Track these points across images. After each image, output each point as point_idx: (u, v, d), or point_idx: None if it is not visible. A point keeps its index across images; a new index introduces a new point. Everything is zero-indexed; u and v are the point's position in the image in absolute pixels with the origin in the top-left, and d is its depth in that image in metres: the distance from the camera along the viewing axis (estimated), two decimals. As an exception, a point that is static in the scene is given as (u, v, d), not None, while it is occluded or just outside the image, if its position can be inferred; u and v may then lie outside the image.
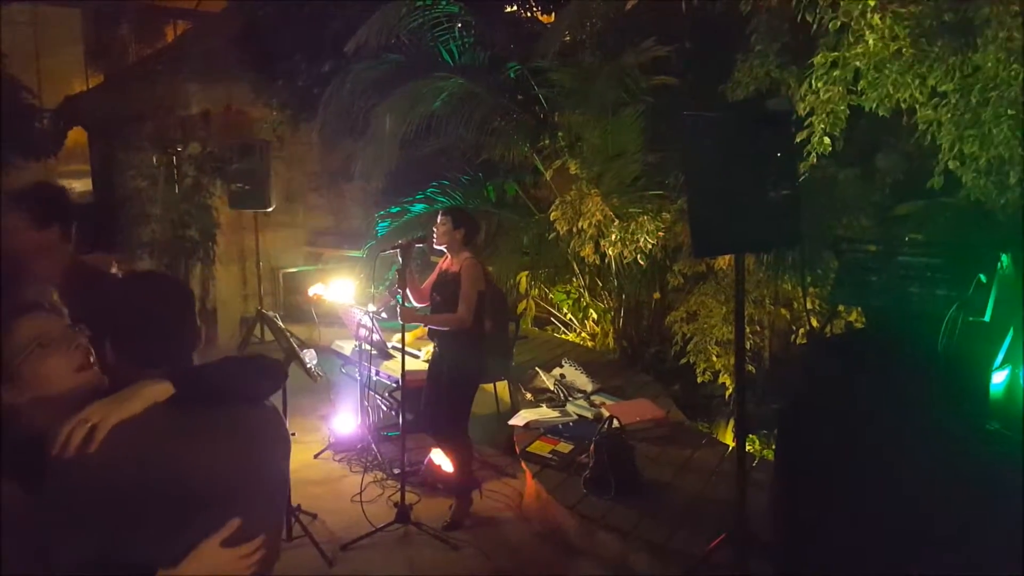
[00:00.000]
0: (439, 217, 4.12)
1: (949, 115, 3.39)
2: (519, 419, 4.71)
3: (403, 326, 4.02)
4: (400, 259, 3.95)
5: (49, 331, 1.43)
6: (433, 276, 4.21)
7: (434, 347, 4.18)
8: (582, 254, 5.80)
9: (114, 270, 2.69)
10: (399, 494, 3.99)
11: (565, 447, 4.25)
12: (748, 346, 4.80)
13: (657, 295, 6.25)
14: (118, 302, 1.51)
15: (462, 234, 4.02)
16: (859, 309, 4.02)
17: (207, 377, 1.44)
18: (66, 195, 2.63)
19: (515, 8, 7.74)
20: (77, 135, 9.41)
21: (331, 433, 5.11)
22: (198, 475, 1.33)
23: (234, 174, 7.16)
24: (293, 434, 4.13)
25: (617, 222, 5.51)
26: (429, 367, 4.17)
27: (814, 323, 4.42)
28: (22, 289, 2.21)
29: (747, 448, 3.55)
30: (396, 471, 4.25)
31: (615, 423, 4.00)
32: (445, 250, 4.11)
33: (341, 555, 3.74)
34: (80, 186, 10.30)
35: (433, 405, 4.15)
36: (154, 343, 1.44)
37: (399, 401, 4.67)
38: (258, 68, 7.84)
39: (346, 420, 5.07)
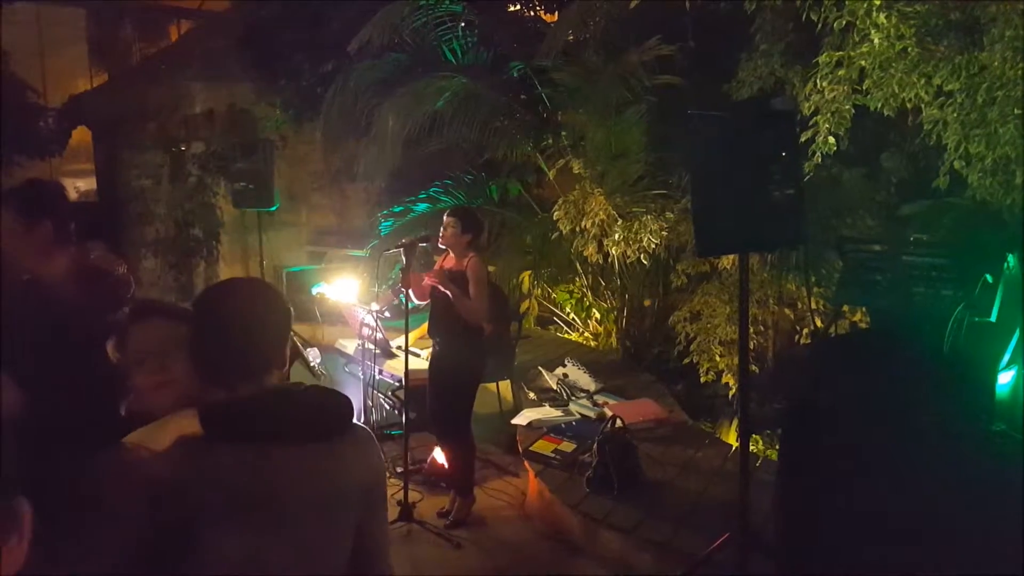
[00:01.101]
0: (447, 217, 4.07)
1: (955, 114, 3.37)
2: (522, 418, 4.71)
3: (406, 325, 4.02)
4: (403, 258, 3.95)
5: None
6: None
7: (434, 346, 4.17)
8: (585, 254, 5.79)
9: (122, 271, 2.68)
10: (402, 492, 3.99)
11: (568, 446, 4.25)
12: (752, 346, 4.79)
13: (648, 301, 6.24)
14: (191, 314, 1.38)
15: (470, 238, 4.03)
16: (863, 309, 4.01)
17: (247, 411, 1.29)
18: (56, 192, 2.59)
19: (518, 7, 7.73)
20: (81, 134, 9.44)
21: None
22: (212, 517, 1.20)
23: (238, 173, 7.15)
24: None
25: (620, 221, 5.50)
26: (430, 366, 4.16)
27: (818, 323, 4.42)
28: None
29: (750, 448, 3.55)
30: (399, 469, 4.25)
31: (618, 423, 3.99)
32: (448, 249, 4.09)
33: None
34: (84, 185, 10.33)
35: (435, 404, 4.15)
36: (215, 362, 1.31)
37: (402, 400, 4.66)
38: (261, 67, 7.85)
39: (349, 419, 5.06)
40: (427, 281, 3.97)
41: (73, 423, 1.61)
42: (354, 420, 1.42)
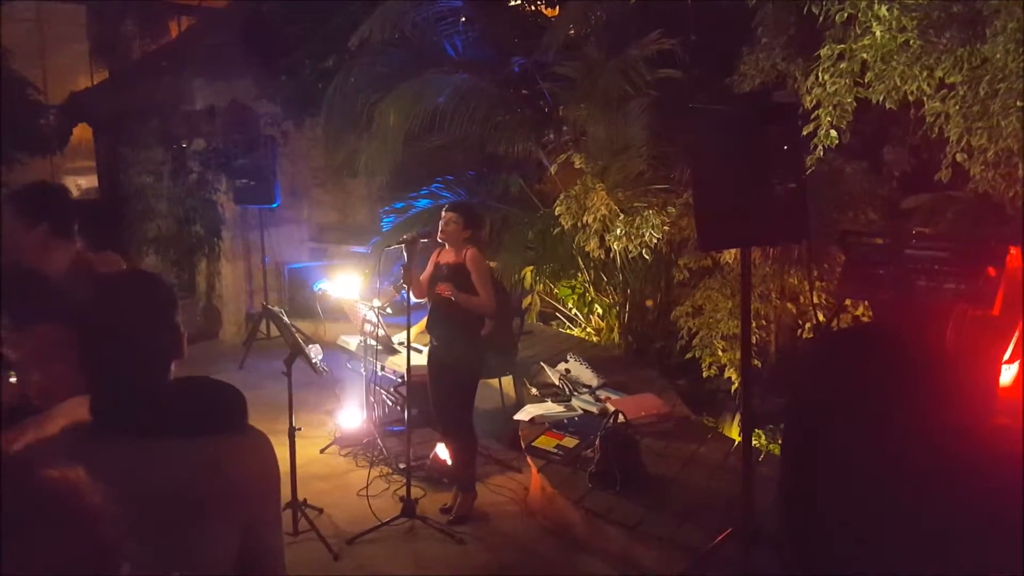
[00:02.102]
0: (447, 212, 4.05)
1: (957, 107, 3.36)
2: (524, 414, 4.71)
3: (408, 321, 4.02)
4: (405, 254, 3.94)
5: None
6: (429, 269, 4.16)
7: (431, 342, 4.16)
8: (587, 249, 5.78)
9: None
10: (405, 488, 4.00)
11: (570, 442, 4.25)
12: (754, 340, 4.78)
13: (650, 301, 6.24)
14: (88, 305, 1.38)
15: (470, 233, 4.03)
16: (866, 303, 4.00)
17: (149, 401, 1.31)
18: (58, 193, 2.63)
19: (519, 2, 7.71)
20: (83, 131, 9.43)
21: (337, 428, 5.12)
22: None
23: (239, 170, 7.17)
24: (299, 428, 4.12)
25: (622, 216, 5.49)
26: (428, 362, 4.15)
27: (821, 317, 4.40)
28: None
29: (753, 443, 3.54)
30: (402, 465, 4.26)
31: (620, 418, 3.99)
32: (446, 243, 4.07)
33: (347, 549, 3.75)
34: (86, 182, 10.33)
35: (436, 400, 4.15)
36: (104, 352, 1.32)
37: (404, 396, 4.67)
38: (262, 63, 7.84)
39: (352, 415, 5.08)
40: (439, 288, 3.95)
41: None
42: (245, 420, 1.40)
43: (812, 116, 3.79)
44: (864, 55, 3.58)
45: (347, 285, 5.90)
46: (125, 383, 1.33)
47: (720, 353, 5.10)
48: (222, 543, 1.34)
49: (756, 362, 4.83)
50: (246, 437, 1.39)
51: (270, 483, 1.43)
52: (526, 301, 6.67)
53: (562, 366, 5.33)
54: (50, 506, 1.13)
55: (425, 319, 4.28)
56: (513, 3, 7.70)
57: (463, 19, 6.61)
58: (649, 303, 6.31)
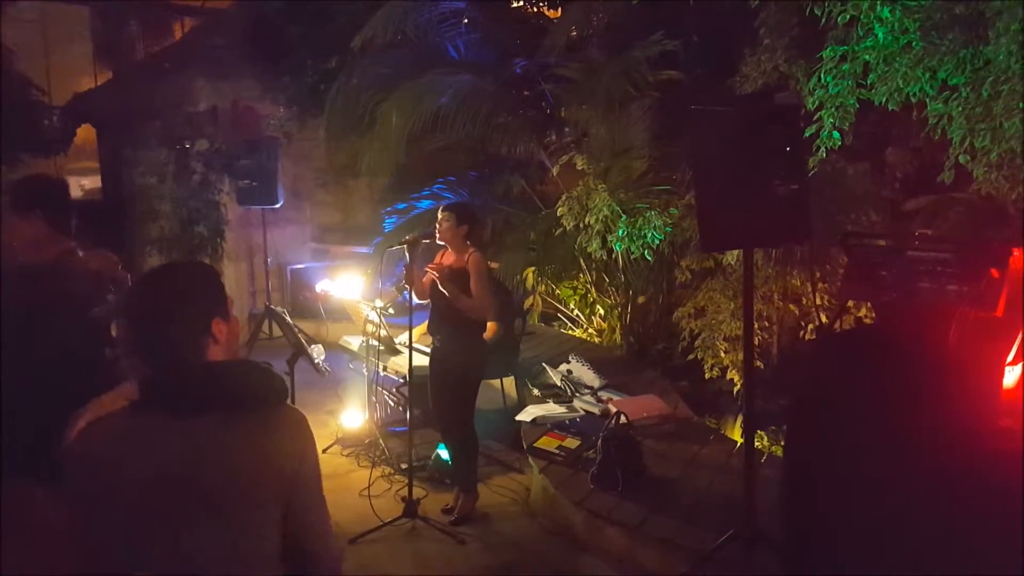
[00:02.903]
0: (441, 213, 4.04)
1: (960, 109, 3.36)
2: (526, 415, 4.71)
3: (410, 322, 4.02)
4: (407, 255, 3.94)
5: None
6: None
7: (434, 343, 4.16)
8: (589, 250, 5.79)
9: (119, 270, 2.69)
10: (407, 489, 4.00)
11: (572, 443, 4.25)
12: (757, 342, 4.78)
13: (642, 298, 6.23)
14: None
15: (466, 230, 3.99)
16: (869, 305, 4.00)
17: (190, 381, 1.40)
18: (53, 186, 2.63)
19: (521, 3, 7.72)
20: (86, 132, 9.44)
21: (339, 428, 5.12)
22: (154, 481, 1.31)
23: (242, 170, 7.18)
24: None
25: (624, 217, 5.50)
26: (430, 363, 4.16)
27: (823, 319, 4.40)
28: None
29: (755, 444, 3.54)
30: (404, 466, 4.26)
31: (622, 419, 3.99)
32: (447, 245, 4.07)
33: (349, 549, 3.75)
34: (89, 183, 10.35)
35: (437, 401, 4.15)
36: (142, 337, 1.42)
37: (406, 397, 4.67)
38: (265, 64, 7.86)
39: (354, 415, 5.08)
40: (427, 277, 3.95)
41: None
42: (287, 401, 1.48)
43: (814, 118, 3.79)
44: (866, 57, 3.58)
45: (349, 286, 5.91)
46: (170, 366, 1.41)
47: (722, 354, 5.10)
48: (267, 516, 1.40)
49: (758, 363, 4.83)
50: (285, 415, 1.45)
51: (307, 459, 1.47)
52: (528, 302, 6.67)
53: (564, 367, 5.33)
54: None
55: (427, 321, 4.28)
56: (515, 4, 7.71)
57: (465, 20, 6.62)
58: (642, 300, 6.29)
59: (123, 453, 1.32)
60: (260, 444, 1.38)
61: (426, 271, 3.96)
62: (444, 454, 4.35)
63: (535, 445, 4.29)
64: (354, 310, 5.27)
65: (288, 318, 4.08)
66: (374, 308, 4.79)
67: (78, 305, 2.34)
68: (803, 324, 5.01)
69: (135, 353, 1.43)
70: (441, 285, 3.86)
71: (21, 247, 2.44)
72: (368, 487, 4.22)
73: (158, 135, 8.28)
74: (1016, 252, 2.32)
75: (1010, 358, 2.33)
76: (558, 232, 6.10)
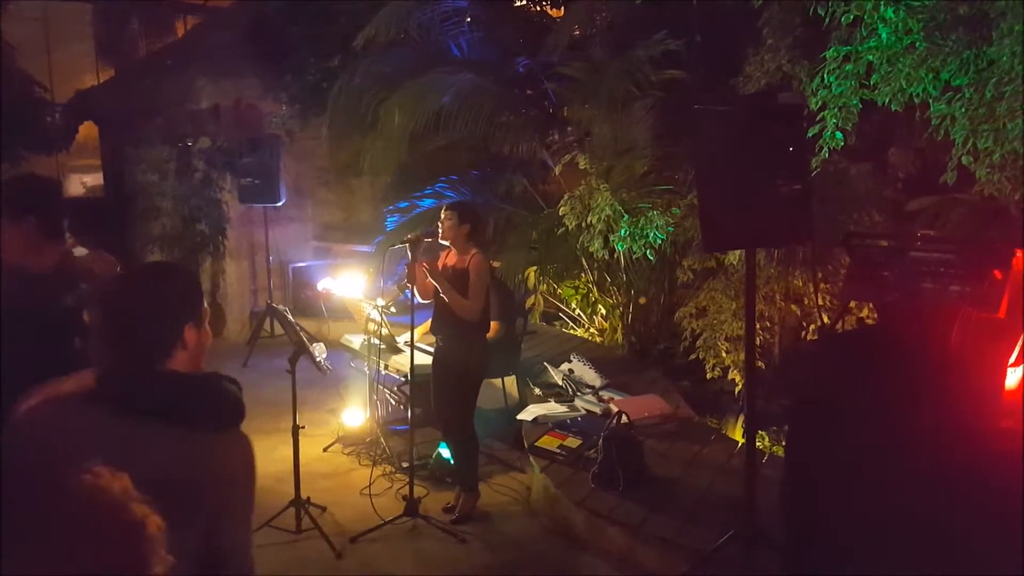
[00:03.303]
0: (444, 212, 4.05)
1: (963, 109, 3.35)
2: (527, 414, 4.72)
3: (412, 321, 4.02)
4: (409, 254, 3.94)
5: None
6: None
7: (437, 341, 4.16)
8: (591, 249, 5.79)
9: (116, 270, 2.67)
10: (408, 487, 4.00)
11: (573, 442, 4.25)
12: (758, 342, 4.77)
13: (643, 299, 6.23)
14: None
15: (468, 229, 3.99)
16: (871, 305, 3.99)
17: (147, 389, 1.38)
18: (46, 188, 2.59)
19: (524, 2, 7.72)
20: (88, 130, 9.46)
21: (340, 426, 5.12)
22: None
23: (244, 168, 7.17)
24: (303, 427, 4.11)
25: (626, 217, 5.49)
26: (433, 362, 4.16)
27: (825, 319, 4.39)
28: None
29: (757, 444, 3.54)
30: (405, 464, 4.26)
31: (623, 418, 3.99)
32: (450, 245, 4.07)
33: (350, 547, 3.75)
34: (91, 180, 10.37)
35: (439, 400, 4.15)
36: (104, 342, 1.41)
37: (408, 395, 4.67)
38: (267, 62, 7.85)
39: (355, 414, 5.08)
40: (421, 268, 3.95)
41: None
42: (237, 422, 1.43)
43: (817, 118, 3.79)
44: (870, 57, 3.58)
45: (351, 284, 5.91)
46: (130, 365, 1.40)
47: (724, 354, 5.10)
48: (185, 527, 1.32)
49: (760, 364, 4.83)
50: (231, 436, 1.42)
51: (244, 482, 1.44)
52: (530, 301, 6.67)
53: (565, 366, 5.33)
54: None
55: (430, 320, 4.29)
56: (518, 3, 7.70)
57: (468, 19, 6.62)
58: (644, 299, 6.29)
59: (56, 440, 1.30)
60: (193, 464, 1.34)
61: (425, 266, 3.96)
62: (445, 453, 4.35)
63: (536, 444, 4.29)
64: (356, 308, 5.27)
65: (290, 316, 4.07)
66: (376, 307, 4.79)
67: (75, 307, 2.33)
68: (805, 324, 5.01)
69: (102, 343, 1.42)
70: (431, 276, 3.86)
71: (12, 253, 2.39)
72: (369, 486, 4.22)
73: (160, 133, 8.30)
74: (1019, 253, 2.31)
75: (1012, 359, 2.33)
76: (560, 231, 6.10)
